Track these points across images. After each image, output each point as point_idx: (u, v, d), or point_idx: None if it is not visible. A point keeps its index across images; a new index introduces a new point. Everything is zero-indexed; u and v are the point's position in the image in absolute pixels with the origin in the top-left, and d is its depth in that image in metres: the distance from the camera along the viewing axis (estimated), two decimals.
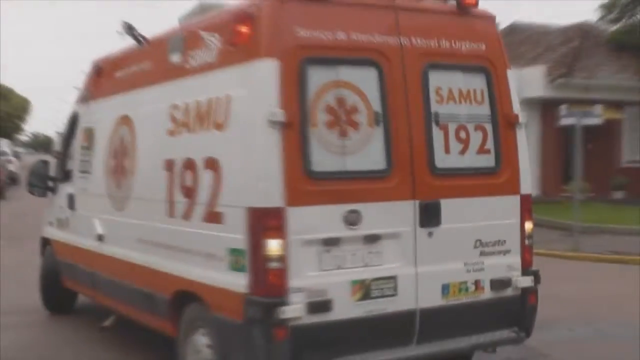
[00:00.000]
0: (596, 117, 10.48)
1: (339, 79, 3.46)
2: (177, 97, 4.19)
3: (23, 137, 55.54)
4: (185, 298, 4.02)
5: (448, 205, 3.68)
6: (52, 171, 6.67)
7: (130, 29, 4.81)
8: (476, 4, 3.92)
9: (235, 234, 3.41)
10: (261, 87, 3.32)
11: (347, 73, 3.50)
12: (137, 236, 4.67)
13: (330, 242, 3.40)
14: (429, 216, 3.62)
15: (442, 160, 3.72)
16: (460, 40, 3.86)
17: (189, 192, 3.98)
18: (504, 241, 3.90)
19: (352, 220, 3.42)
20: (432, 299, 3.65)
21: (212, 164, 3.70)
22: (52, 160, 7.03)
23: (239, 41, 3.50)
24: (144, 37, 4.83)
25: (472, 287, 3.78)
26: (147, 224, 4.54)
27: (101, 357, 5.18)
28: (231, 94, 3.53)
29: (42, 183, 6.55)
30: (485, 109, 3.89)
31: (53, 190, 6.48)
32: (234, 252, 3.44)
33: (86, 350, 5.29)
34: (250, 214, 3.29)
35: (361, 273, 3.47)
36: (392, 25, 3.65)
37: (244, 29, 3.46)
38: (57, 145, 7.19)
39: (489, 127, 3.89)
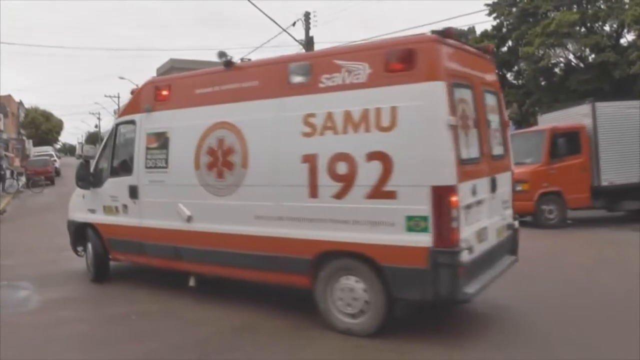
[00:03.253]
0: None
1: (462, 97, 4.95)
2: (312, 108, 5.06)
3: (57, 146, 78.70)
4: (327, 256, 5.02)
5: (497, 179, 5.52)
6: (92, 169, 7.23)
7: (224, 55, 5.64)
8: (492, 52, 5.95)
9: (415, 205, 4.58)
10: (436, 100, 4.55)
11: (464, 92, 5.01)
12: (254, 214, 5.37)
13: (468, 206, 4.85)
14: (494, 186, 5.40)
15: (493, 150, 5.55)
16: (487, 74, 5.75)
17: (344, 178, 4.89)
18: (507, 200, 5.91)
19: (474, 191, 4.97)
20: (494, 239, 5.43)
21: (378, 156, 4.71)
22: (91, 161, 7.50)
23: (397, 68, 4.70)
24: (233, 63, 5.68)
25: (503, 230, 5.69)
26: (267, 204, 5.30)
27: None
28: (398, 105, 4.65)
29: (86, 179, 7.22)
30: (497, 117, 5.87)
31: (95, 184, 7.06)
32: (412, 218, 4.60)
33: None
34: (437, 190, 4.50)
35: (477, 225, 5.03)
36: (471, 62, 5.34)
37: (406, 61, 4.67)
38: (79, 150, 7.52)
39: (499, 129, 5.89)
